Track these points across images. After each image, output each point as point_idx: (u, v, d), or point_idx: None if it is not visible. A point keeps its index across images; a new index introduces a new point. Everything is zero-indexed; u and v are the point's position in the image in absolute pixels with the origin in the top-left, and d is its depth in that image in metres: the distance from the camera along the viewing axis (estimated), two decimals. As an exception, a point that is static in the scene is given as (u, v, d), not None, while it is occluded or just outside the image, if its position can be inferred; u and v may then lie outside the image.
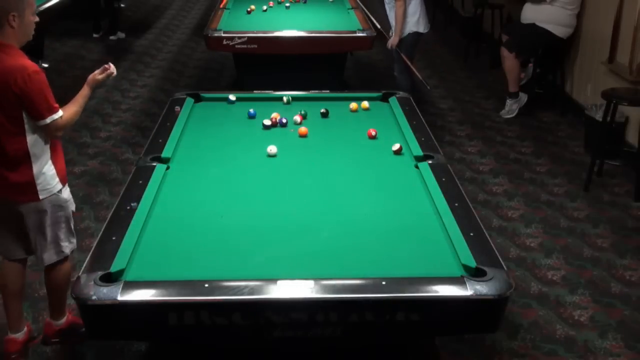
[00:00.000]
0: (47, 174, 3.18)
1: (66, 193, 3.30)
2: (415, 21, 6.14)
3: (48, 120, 3.08)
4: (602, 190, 5.24)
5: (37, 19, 3.14)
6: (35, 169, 3.13)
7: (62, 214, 3.29)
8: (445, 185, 3.21)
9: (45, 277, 3.46)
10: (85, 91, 3.30)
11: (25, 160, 3.11)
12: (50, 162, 3.19)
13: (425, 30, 6.26)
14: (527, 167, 5.67)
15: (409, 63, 6.13)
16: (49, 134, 3.16)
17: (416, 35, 6.21)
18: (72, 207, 3.37)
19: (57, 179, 3.22)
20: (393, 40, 6.18)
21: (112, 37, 9.46)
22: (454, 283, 2.46)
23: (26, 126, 3.08)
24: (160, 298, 2.42)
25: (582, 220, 4.81)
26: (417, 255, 2.72)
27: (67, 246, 3.37)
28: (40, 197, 3.18)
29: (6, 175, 3.14)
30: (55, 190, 3.22)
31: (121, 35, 9.53)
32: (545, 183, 5.37)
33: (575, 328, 3.69)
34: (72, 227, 3.40)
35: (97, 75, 3.35)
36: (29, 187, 3.15)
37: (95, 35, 9.48)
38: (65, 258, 3.41)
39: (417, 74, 6.13)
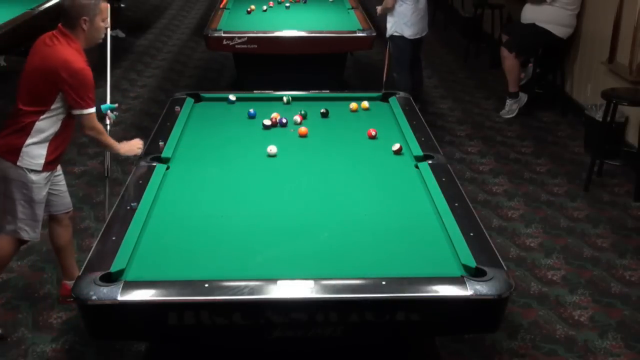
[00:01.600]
0: (33, 152, 3.32)
1: (37, 177, 3.36)
2: (403, 24, 6.08)
3: (84, 111, 3.31)
4: (602, 190, 5.24)
5: (107, 25, 3.42)
6: (28, 140, 3.29)
7: (26, 193, 3.36)
8: (445, 185, 3.21)
9: None
10: (116, 146, 3.56)
11: (27, 130, 3.31)
12: (46, 144, 3.33)
13: (412, 37, 6.16)
14: (527, 167, 5.67)
15: (386, 60, 6.15)
16: (82, 125, 3.37)
17: (402, 39, 6.14)
18: (40, 195, 3.39)
19: (42, 162, 3.34)
20: (380, 8, 6.18)
21: (111, 33, 9.42)
22: (454, 283, 2.46)
23: (51, 106, 3.28)
24: (160, 298, 2.42)
25: (582, 220, 4.81)
26: (417, 255, 2.73)
27: (25, 230, 3.43)
28: (18, 163, 3.31)
29: (5, 134, 3.36)
30: (31, 167, 3.33)
31: (121, 34, 9.51)
32: (545, 183, 5.37)
33: (575, 328, 3.69)
34: (38, 217, 3.43)
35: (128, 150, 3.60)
36: (15, 151, 3.31)
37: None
38: (19, 242, 3.47)
39: (385, 72, 6.11)
